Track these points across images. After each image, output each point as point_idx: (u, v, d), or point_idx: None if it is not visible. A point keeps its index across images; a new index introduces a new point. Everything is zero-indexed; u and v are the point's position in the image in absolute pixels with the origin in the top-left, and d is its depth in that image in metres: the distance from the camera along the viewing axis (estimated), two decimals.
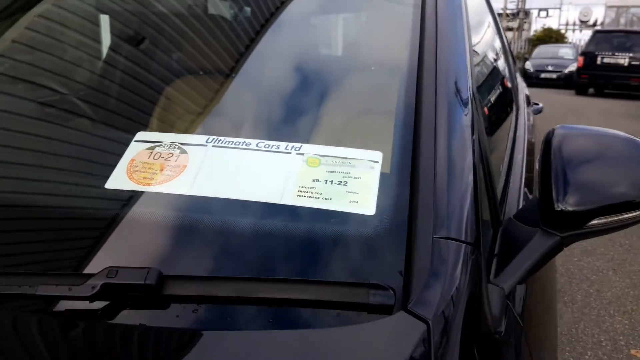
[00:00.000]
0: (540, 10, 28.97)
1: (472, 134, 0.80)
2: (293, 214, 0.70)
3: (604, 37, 12.91)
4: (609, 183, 0.72)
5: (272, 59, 1.15)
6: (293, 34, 1.19)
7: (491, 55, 1.64)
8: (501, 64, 1.86)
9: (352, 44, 1.27)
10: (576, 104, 10.64)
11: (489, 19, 1.78)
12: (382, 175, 0.72)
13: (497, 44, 1.89)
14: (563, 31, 25.61)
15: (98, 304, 0.59)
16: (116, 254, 0.70)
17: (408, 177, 0.72)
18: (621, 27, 19.38)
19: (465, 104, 0.84)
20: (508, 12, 26.24)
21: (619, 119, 8.41)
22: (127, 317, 0.59)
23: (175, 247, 0.71)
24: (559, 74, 15.32)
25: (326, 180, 0.71)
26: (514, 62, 2.74)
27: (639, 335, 2.31)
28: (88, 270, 0.65)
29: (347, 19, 1.35)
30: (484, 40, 1.52)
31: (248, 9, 1.28)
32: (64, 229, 0.77)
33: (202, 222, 0.72)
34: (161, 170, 0.74)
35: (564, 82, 14.56)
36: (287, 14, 1.19)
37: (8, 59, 1.17)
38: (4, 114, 1.02)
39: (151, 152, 0.77)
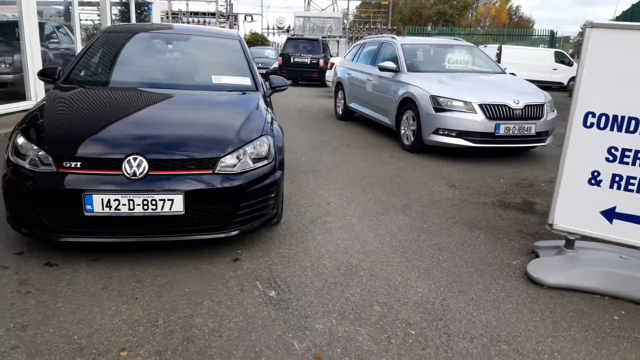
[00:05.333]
0: (246, 15, 34.07)
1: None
2: None
3: (294, 42, 17.77)
4: None
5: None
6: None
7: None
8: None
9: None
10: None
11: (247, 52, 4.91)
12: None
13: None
14: (265, 35, 30.91)
15: None
16: None
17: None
18: (305, 34, 25.37)
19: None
20: (220, 14, 30.39)
21: (307, 98, 12.77)
22: None
23: None
24: (267, 69, 19.87)
25: None
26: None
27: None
28: None
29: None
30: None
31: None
32: None
33: None
34: None
35: None
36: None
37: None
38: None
39: None
